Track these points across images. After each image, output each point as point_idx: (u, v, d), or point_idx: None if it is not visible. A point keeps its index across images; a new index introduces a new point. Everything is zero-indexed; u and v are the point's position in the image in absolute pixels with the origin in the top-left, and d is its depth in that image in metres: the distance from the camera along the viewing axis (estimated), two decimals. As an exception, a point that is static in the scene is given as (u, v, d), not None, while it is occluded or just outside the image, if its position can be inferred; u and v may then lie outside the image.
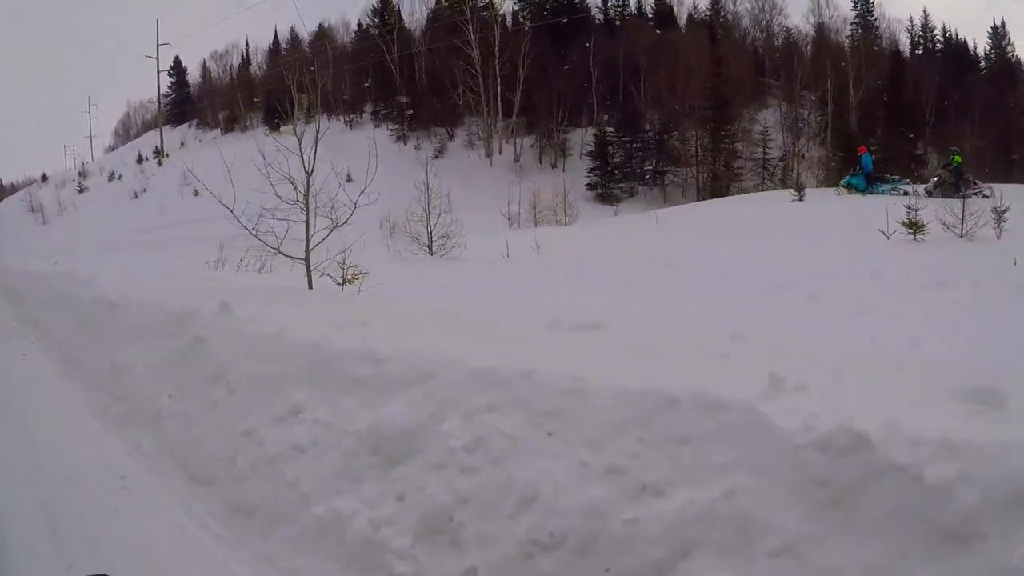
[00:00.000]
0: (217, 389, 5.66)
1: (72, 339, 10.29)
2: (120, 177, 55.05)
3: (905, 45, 59.33)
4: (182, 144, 67.91)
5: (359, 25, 69.81)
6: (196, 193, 44.91)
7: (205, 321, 6.89)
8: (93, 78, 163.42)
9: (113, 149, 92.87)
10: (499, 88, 53.02)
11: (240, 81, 77.47)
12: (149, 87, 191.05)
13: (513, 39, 52.88)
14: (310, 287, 10.22)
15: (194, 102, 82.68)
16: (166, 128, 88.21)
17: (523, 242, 17.92)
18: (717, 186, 49.11)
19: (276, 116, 65.52)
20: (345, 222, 10.78)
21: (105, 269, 17.07)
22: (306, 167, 11.35)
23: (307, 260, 10.28)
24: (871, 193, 25.48)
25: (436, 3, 61.78)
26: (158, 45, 65.68)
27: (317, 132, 11.72)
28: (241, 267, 15.84)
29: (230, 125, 73.11)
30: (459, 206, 27.68)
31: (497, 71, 52.63)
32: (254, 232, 10.59)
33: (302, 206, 10.66)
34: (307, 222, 10.62)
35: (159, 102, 71.89)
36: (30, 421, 6.66)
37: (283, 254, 10.42)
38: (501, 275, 13.73)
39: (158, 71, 66.55)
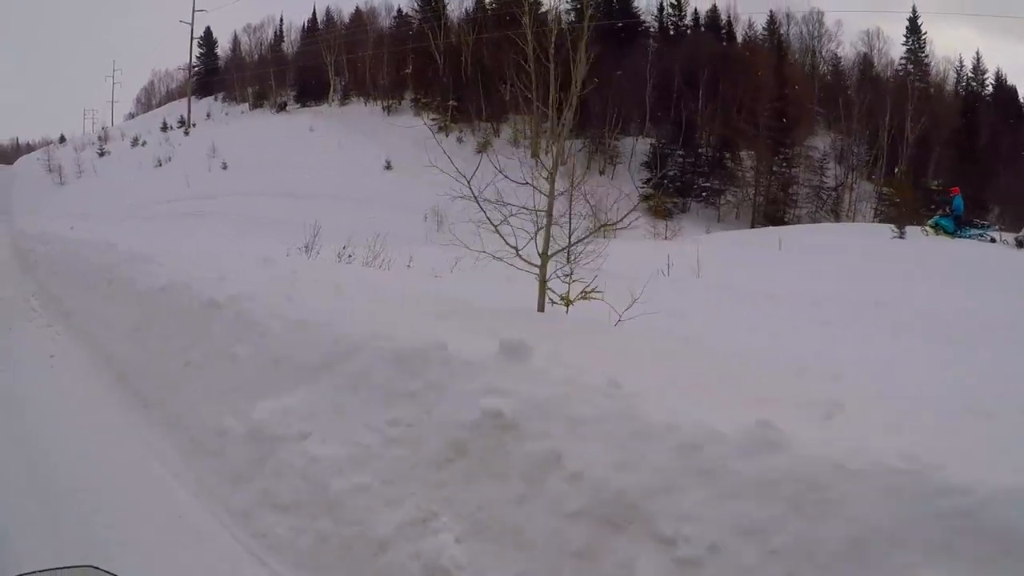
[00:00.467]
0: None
1: (128, 348, 7.16)
2: (144, 143, 52.05)
3: (951, 84, 56.92)
4: (208, 116, 65.38)
5: (399, 11, 67.32)
6: (225, 166, 42.15)
7: (487, 375, 3.82)
8: (119, 42, 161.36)
9: (133, 117, 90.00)
10: (552, 87, 49.62)
11: (274, 57, 74.71)
12: (176, 56, 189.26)
13: (568, 38, 49.51)
14: (540, 308, 7.40)
15: (222, 74, 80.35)
16: (193, 99, 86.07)
17: (663, 258, 14.70)
18: (773, 211, 46.35)
19: (309, 95, 64.67)
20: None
21: (144, 241, 14.91)
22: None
23: (543, 272, 7.49)
24: (959, 237, 23.92)
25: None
26: (194, 11, 62.56)
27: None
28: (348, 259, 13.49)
29: (259, 100, 70.18)
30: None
31: (553, 68, 49.43)
32: (494, 226, 7.92)
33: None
34: (547, 222, 8.06)
35: (189, 69, 68.95)
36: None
37: (521, 260, 7.58)
38: (752, 309, 10.51)
39: (191, 37, 63.89)
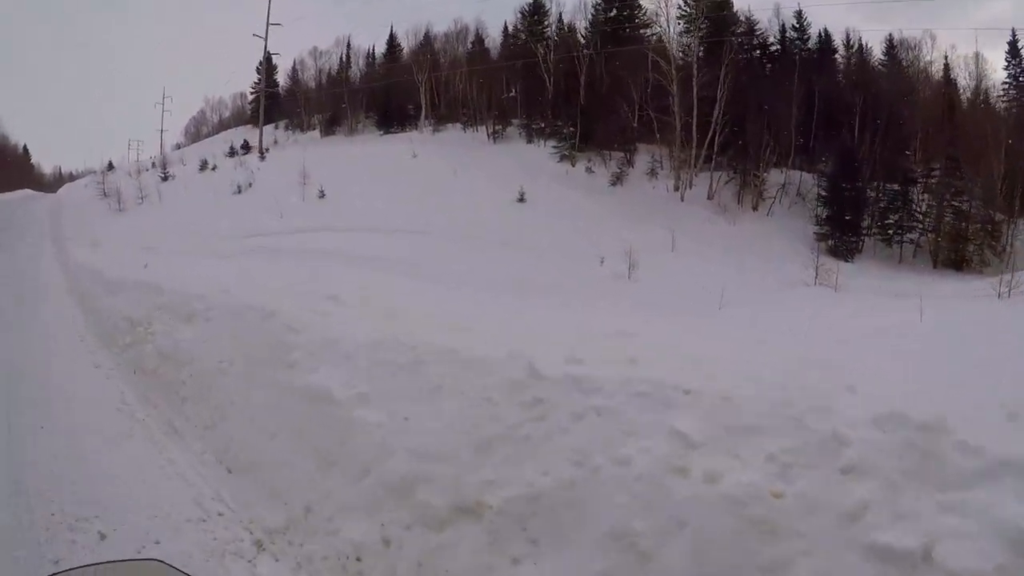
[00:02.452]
0: None
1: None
2: (214, 168, 44.23)
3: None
4: (275, 142, 57.76)
5: (505, 29, 61.47)
6: (322, 195, 34.09)
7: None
8: (166, 71, 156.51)
9: (180, 148, 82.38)
10: (695, 114, 42.49)
11: (347, 81, 69.38)
12: (230, 84, 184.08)
13: (712, 61, 44.67)
14: None
15: (284, 100, 74.41)
16: (248, 127, 79.07)
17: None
18: (956, 253, 39.07)
19: (393, 120, 57.17)
20: None
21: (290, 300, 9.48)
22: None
23: None
24: None
25: (615, 10, 52.02)
26: (268, 23, 55.28)
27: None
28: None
29: (332, 127, 63.38)
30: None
31: (695, 93, 42.30)
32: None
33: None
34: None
35: (263, 86, 61.63)
36: None
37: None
38: None
39: (265, 52, 56.25)
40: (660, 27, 49.66)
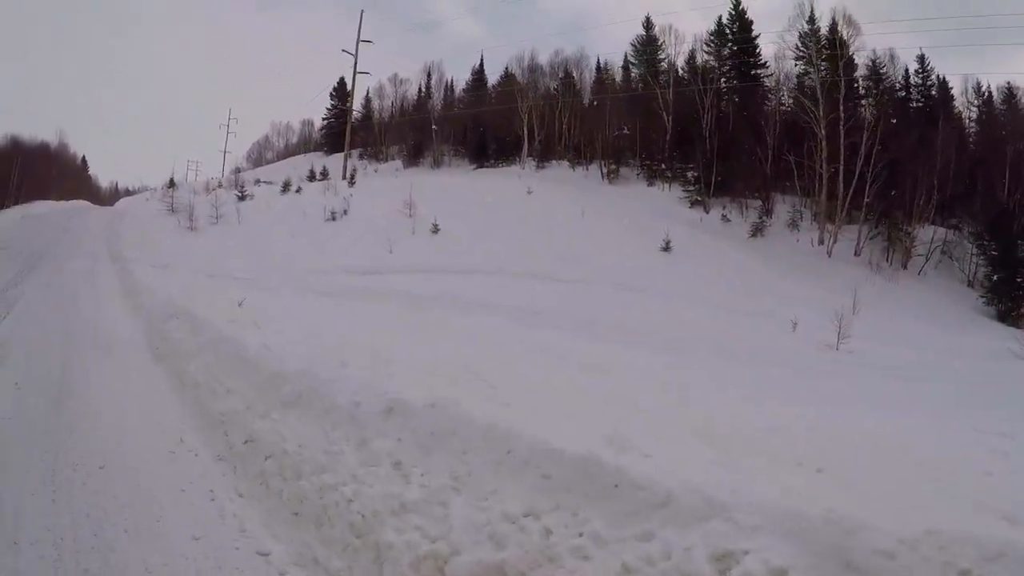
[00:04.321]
0: None
1: None
2: (299, 190, 38.73)
3: None
4: (355, 171, 52.62)
5: (625, 61, 56.64)
6: (436, 230, 28.38)
7: None
8: (232, 92, 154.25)
9: (239, 171, 77.69)
10: (842, 161, 37.27)
11: (430, 110, 64.96)
12: (298, 109, 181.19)
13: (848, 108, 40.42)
14: None
15: (358, 128, 69.40)
16: (316, 155, 75.13)
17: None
18: None
19: (487, 153, 52.00)
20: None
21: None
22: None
23: None
24: None
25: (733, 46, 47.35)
26: (358, 40, 50.31)
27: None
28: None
29: (415, 158, 58.18)
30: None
31: (842, 139, 37.04)
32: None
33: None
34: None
35: (349, 108, 56.88)
36: None
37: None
38: None
39: (354, 71, 51.10)
40: (794, 66, 45.11)
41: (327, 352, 7.89)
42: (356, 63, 50.98)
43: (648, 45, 52.76)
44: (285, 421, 6.35)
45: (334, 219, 31.62)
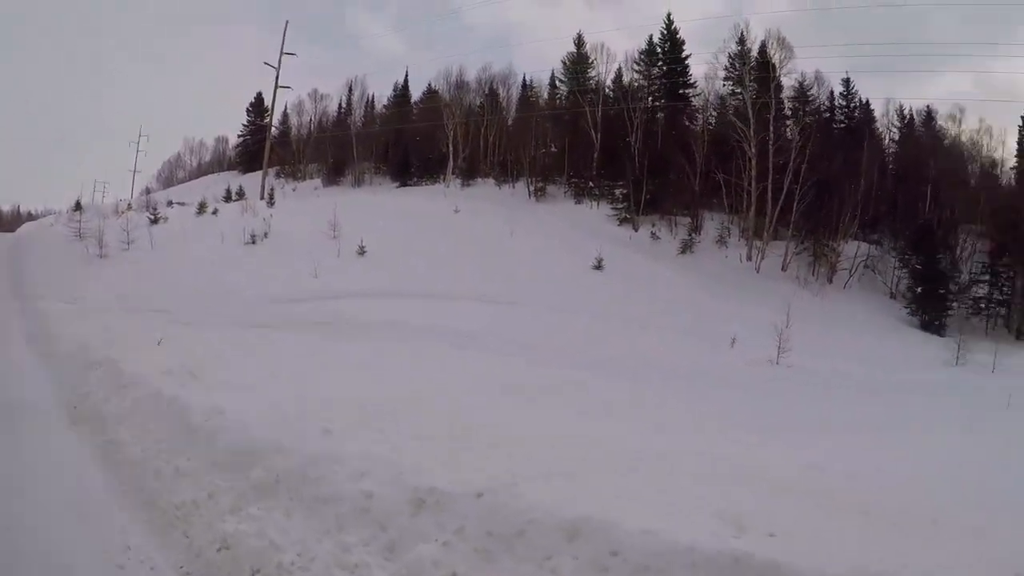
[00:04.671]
0: None
1: None
2: (215, 212, 36.96)
3: None
4: (272, 190, 50.99)
5: (552, 79, 57.17)
6: (362, 252, 27.36)
7: None
8: (140, 109, 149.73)
9: (149, 192, 75.13)
10: (770, 179, 38.40)
11: (351, 127, 63.89)
12: (211, 125, 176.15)
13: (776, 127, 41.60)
14: None
15: (275, 146, 66.94)
16: (233, 173, 73.55)
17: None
18: None
19: (410, 172, 50.87)
20: None
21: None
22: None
23: None
24: None
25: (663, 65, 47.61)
26: (281, 51, 48.77)
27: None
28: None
29: (335, 177, 56.59)
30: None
31: (771, 158, 37.75)
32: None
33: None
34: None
35: (269, 125, 55.43)
36: None
37: None
38: None
39: (276, 82, 49.51)
40: (723, 86, 45.85)
41: (294, 410, 6.79)
42: (278, 75, 49.48)
43: (579, 63, 52.52)
44: (269, 518, 5.07)
45: (254, 242, 30.02)
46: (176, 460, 6.46)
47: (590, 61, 51.98)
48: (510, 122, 53.86)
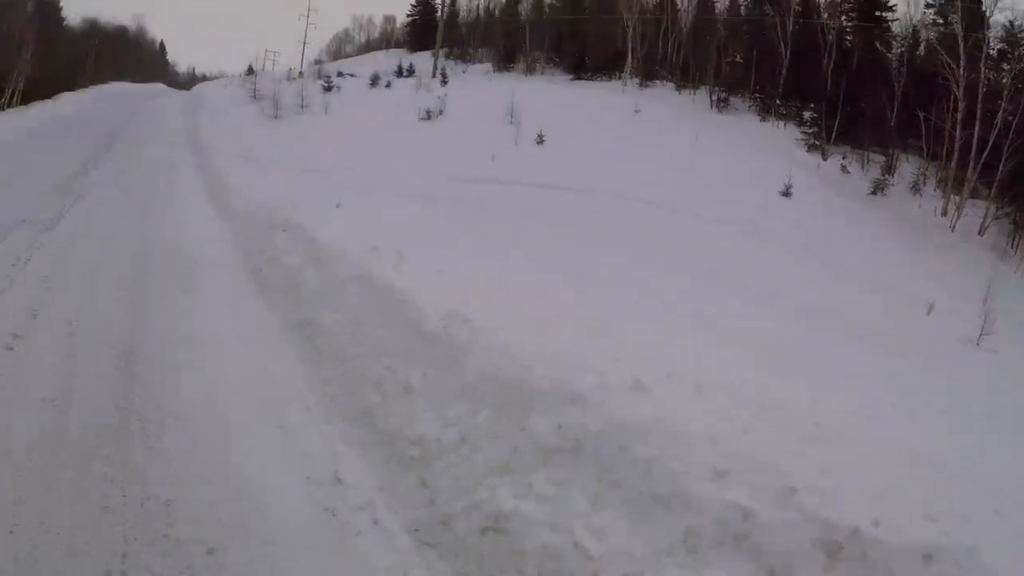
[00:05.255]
0: None
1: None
2: (388, 85, 36.04)
3: None
4: (445, 70, 49.73)
5: None
6: (540, 140, 25.82)
7: None
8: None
9: (319, 63, 75.06)
10: (976, 128, 34.41)
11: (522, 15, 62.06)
12: (379, 4, 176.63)
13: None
14: None
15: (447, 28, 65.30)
16: (400, 52, 72.73)
17: None
18: None
19: (584, 64, 48.78)
20: None
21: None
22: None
23: None
24: None
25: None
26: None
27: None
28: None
29: (506, 63, 56.10)
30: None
31: (980, 103, 34.47)
32: None
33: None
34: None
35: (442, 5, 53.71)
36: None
37: None
38: None
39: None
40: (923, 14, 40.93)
41: (571, 337, 5.22)
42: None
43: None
44: (566, 501, 3.47)
45: (429, 119, 29.06)
46: (405, 372, 5.06)
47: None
48: (687, 25, 50.57)
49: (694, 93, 42.89)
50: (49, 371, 5.05)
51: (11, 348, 5.32)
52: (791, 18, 42.55)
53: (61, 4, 43.33)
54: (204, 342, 6.04)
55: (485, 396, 4.41)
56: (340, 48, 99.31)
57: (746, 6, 49.37)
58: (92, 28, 56.00)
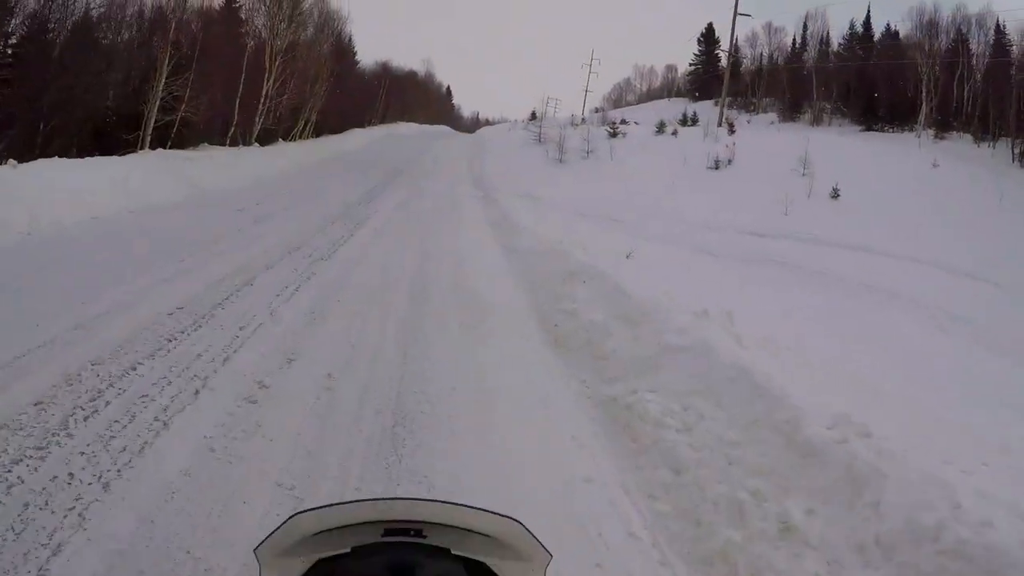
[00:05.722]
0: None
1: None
2: (675, 132, 35.20)
3: None
4: (731, 119, 48.17)
5: None
6: (836, 195, 23.82)
7: None
8: (593, 32, 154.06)
9: (599, 111, 75.81)
10: None
11: (811, 63, 59.41)
12: (661, 55, 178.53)
13: None
14: None
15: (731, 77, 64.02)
16: (681, 100, 72.39)
17: None
18: None
19: (876, 115, 45.66)
20: None
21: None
22: None
23: None
24: None
25: None
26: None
27: None
28: None
29: (792, 113, 54.80)
30: None
31: None
32: None
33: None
34: None
35: (731, 47, 52.79)
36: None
37: None
38: None
39: (735, 9, 46.49)
40: None
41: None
42: (736, 8, 46.39)
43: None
44: None
45: (717, 168, 27.81)
46: (778, 501, 3.74)
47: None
48: (981, 69, 46.23)
49: (993, 146, 38.84)
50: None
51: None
52: None
53: (355, 49, 45.67)
54: (490, 407, 5.17)
55: (922, 565, 2.99)
56: (621, 96, 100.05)
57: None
58: (383, 70, 58.97)
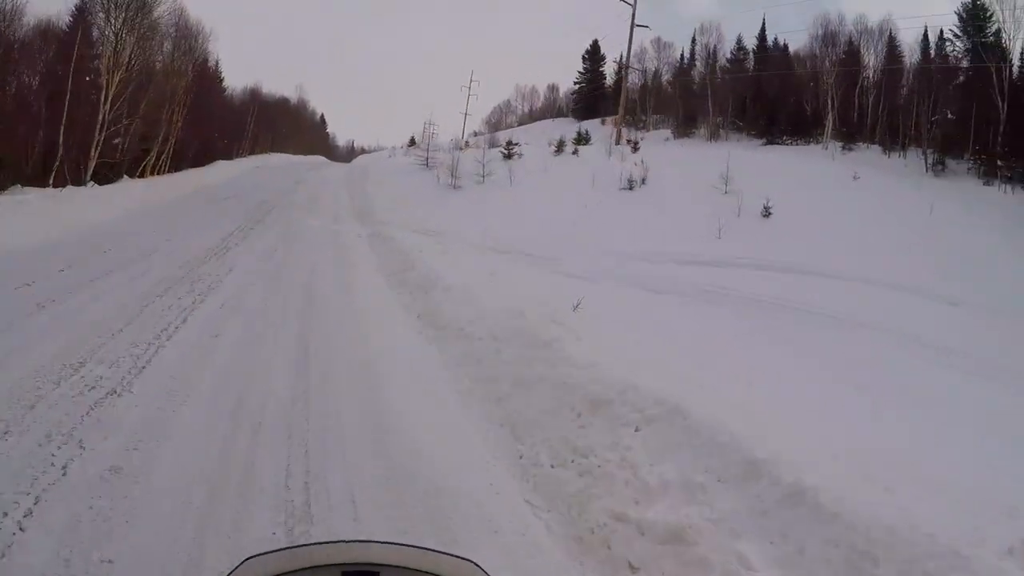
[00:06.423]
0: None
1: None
2: (575, 152, 32.73)
3: None
4: (635, 139, 46.42)
5: (940, 36, 46.37)
6: (767, 214, 21.41)
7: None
8: (470, 55, 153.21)
9: (476, 135, 73.92)
10: None
11: (709, 79, 56.86)
12: (541, 74, 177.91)
13: None
14: None
15: (612, 94, 64.91)
16: (566, 120, 70.92)
17: None
18: None
19: (777, 129, 44.40)
20: None
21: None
22: None
23: None
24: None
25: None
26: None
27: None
28: None
29: (686, 129, 52.80)
30: None
31: None
32: None
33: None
34: None
35: (625, 67, 50.87)
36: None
37: None
38: None
39: (632, 20, 44.90)
40: None
41: None
42: (635, 10, 44.64)
43: (976, 13, 43.00)
44: None
45: (632, 188, 25.34)
46: None
47: (989, 15, 41.64)
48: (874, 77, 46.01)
49: (903, 156, 38.01)
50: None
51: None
52: (1007, 66, 36.99)
53: (221, 71, 41.94)
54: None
55: None
56: (502, 119, 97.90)
57: (955, 55, 44.26)
58: (252, 97, 54.99)
